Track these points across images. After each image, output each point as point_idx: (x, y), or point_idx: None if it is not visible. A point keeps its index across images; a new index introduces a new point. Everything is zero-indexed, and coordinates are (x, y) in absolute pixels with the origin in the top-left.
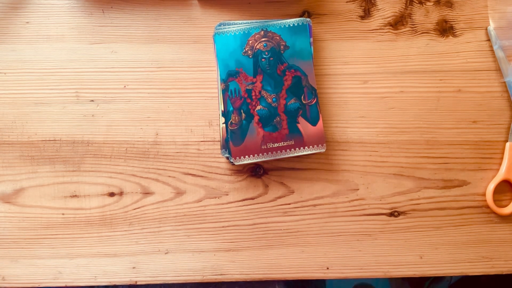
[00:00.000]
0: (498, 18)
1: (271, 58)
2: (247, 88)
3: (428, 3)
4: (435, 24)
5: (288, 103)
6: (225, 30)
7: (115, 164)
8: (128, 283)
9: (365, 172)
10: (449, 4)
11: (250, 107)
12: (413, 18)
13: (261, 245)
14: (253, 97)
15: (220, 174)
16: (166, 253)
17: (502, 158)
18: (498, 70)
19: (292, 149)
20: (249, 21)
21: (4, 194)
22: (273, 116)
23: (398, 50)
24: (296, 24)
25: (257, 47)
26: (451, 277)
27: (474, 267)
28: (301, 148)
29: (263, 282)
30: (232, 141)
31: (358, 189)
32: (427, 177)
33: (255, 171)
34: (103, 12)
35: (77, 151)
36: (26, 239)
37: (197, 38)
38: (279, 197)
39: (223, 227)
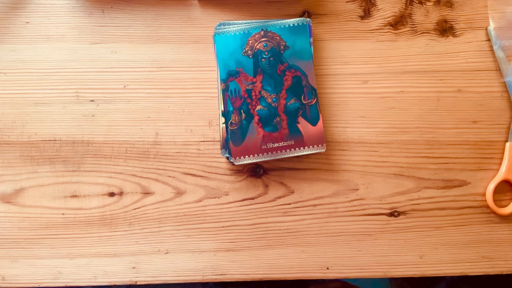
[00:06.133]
0: (498, 18)
1: (271, 58)
2: (247, 88)
3: (428, 3)
4: (435, 24)
5: (288, 103)
6: (225, 30)
7: (115, 164)
8: (128, 283)
9: (365, 172)
10: (449, 4)
11: (250, 107)
12: (413, 18)
13: (261, 245)
14: (253, 97)
15: (220, 174)
16: (166, 253)
17: (502, 158)
18: (498, 70)
19: (292, 149)
20: (249, 21)
21: (4, 194)
22: (273, 116)
23: (398, 50)
24: (296, 24)
25: (257, 47)
26: (451, 277)
27: (474, 267)
28: (301, 148)
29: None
30: (232, 141)
31: (358, 189)
32: (427, 177)
33: (255, 171)
34: (103, 12)
35: (77, 151)
36: (26, 239)
37: (197, 38)
38: (279, 197)
39: (223, 227)
